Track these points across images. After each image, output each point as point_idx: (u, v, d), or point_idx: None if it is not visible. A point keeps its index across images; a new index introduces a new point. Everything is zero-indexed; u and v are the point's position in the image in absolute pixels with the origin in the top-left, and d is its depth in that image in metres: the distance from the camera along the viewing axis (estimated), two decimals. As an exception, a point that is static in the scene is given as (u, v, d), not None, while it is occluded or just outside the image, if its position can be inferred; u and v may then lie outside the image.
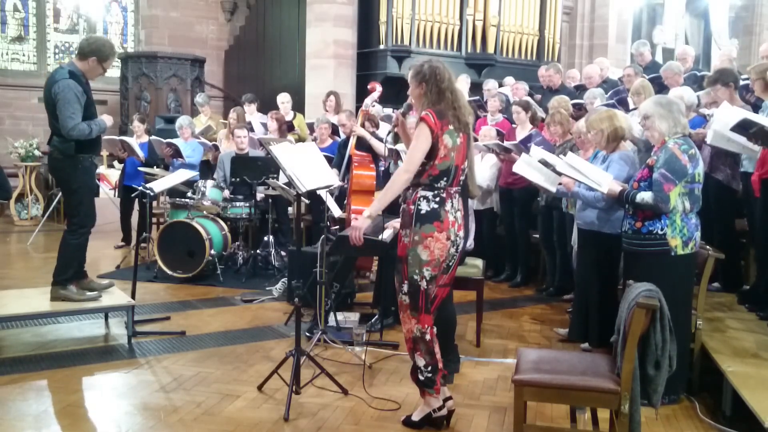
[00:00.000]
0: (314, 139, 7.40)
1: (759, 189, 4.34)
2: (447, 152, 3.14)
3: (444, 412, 3.31)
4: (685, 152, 3.48)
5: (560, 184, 4.31)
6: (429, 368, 3.23)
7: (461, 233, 3.26)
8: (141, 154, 7.27)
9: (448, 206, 3.19)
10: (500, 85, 8.72)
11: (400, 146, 5.62)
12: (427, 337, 3.21)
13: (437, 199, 3.17)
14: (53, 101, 4.31)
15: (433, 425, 3.30)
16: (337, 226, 5.82)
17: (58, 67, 4.49)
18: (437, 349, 3.25)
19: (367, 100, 5.98)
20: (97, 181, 10.21)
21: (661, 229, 3.52)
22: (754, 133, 4.03)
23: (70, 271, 4.50)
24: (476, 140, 6.15)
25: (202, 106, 8.85)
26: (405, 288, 3.19)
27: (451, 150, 3.16)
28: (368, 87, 6.23)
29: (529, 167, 4.46)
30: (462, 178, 3.26)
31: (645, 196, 3.51)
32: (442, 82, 3.20)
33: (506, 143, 6.04)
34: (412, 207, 3.17)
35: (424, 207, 3.15)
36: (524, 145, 5.69)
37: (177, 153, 7.18)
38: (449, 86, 3.22)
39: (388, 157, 6.35)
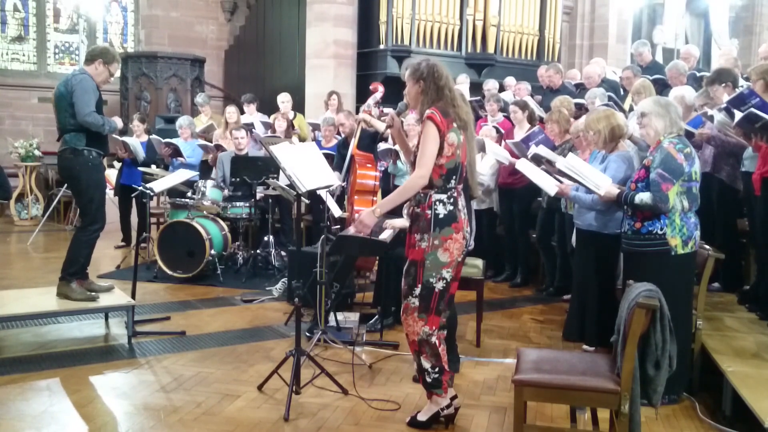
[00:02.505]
0: (317, 140, 7.42)
1: (759, 187, 4.34)
2: (453, 150, 3.14)
3: (452, 410, 3.32)
4: (680, 151, 3.49)
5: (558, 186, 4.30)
6: (436, 369, 3.23)
7: (468, 228, 3.30)
8: (142, 156, 7.29)
9: (459, 205, 3.21)
10: (501, 87, 8.72)
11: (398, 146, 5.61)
12: (433, 339, 3.20)
13: (451, 200, 3.18)
14: (68, 96, 4.42)
15: (440, 423, 3.31)
16: (338, 226, 5.81)
17: (73, 71, 4.64)
18: (443, 351, 3.26)
19: (370, 101, 5.97)
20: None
21: (661, 229, 3.52)
22: (759, 127, 4.02)
23: (76, 266, 4.58)
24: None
25: (202, 106, 8.86)
26: (417, 291, 3.17)
27: (457, 147, 3.16)
28: (370, 88, 6.22)
29: (530, 167, 4.47)
30: (464, 175, 3.27)
31: (644, 197, 3.51)
32: (440, 80, 3.19)
33: (507, 141, 6.04)
34: (429, 212, 3.15)
35: (442, 211, 3.15)
36: (525, 144, 5.69)
37: (176, 152, 7.19)
38: (447, 84, 3.22)
39: (387, 157, 6.35)
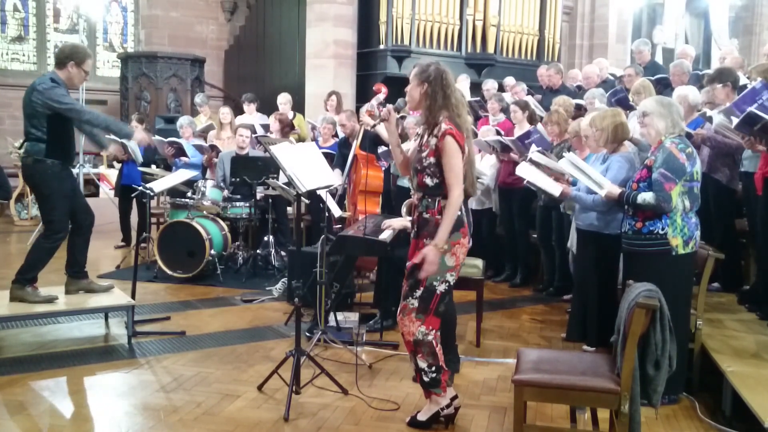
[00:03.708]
0: (315, 139, 7.41)
1: (761, 187, 4.33)
2: (464, 161, 3.17)
3: (452, 410, 3.32)
4: (682, 150, 3.49)
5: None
6: (433, 368, 3.23)
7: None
8: (140, 158, 7.29)
9: (463, 209, 3.22)
10: (501, 87, 8.73)
11: (404, 145, 5.60)
12: (429, 338, 3.20)
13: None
14: (32, 106, 4.31)
15: (440, 423, 3.31)
16: (338, 226, 5.81)
17: (40, 76, 4.45)
18: (440, 351, 3.26)
19: (373, 101, 5.95)
20: (97, 181, 10.27)
21: (662, 229, 3.51)
22: (759, 129, 4.00)
23: (34, 272, 4.47)
24: (476, 136, 6.15)
25: (201, 106, 8.84)
26: (419, 293, 3.18)
27: (464, 157, 3.18)
28: (374, 89, 6.21)
29: (531, 170, 4.46)
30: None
31: (646, 197, 3.51)
32: (448, 87, 3.19)
33: (505, 138, 6.03)
34: (439, 217, 3.14)
35: None
36: (522, 142, 5.68)
37: (180, 152, 7.18)
38: (454, 92, 3.22)
39: (389, 158, 6.34)
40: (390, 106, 3.39)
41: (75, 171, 8.25)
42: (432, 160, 3.16)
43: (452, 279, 3.21)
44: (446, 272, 3.17)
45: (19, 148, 4.50)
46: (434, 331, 3.21)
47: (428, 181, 3.18)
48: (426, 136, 3.23)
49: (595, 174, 3.89)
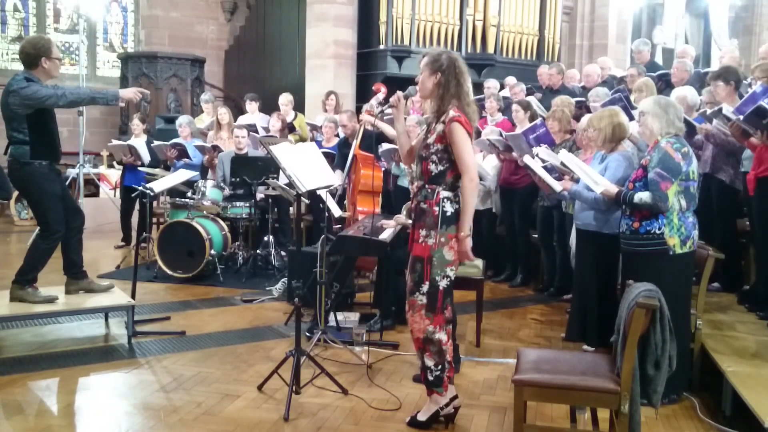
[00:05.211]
0: (315, 139, 7.41)
1: (754, 188, 4.33)
2: None
3: (451, 409, 3.32)
4: (677, 150, 3.49)
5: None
6: (439, 367, 3.24)
7: None
8: (147, 158, 7.29)
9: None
10: (502, 87, 8.72)
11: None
12: (437, 336, 3.20)
13: (457, 198, 3.19)
14: (9, 108, 4.25)
15: (440, 423, 3.31)
16: (338, 226, 5.81)
17: (13, 76, 4.37)
18: (451, 346, 3.27)
19: (373, 101, 5.96)
20: (97, 181, 10.26)
21: (659, 229, 3.52)
22: (767, 123, 3.98)
23: (33, 273, 4.46)
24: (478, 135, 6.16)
25: (206, 103, 8.78)
26: (425, 288, 3.17)
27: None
28: (373, 88, 6.22)
29: (536, 163, 4.47)
30: None
31: (643, 197, 3.51)
32: (461, 76, 3.18)
33: (509, 134, 6.02)
34: (437, 208, 3.15)
35: (449, 208, 3.16)
36: (526, 136, 5.67)
37: (183, 154, 7.17)
38: (466, 81, 3.21)
39: (389, 158, 6.35)
40: (400, 93, 3.36)
41: (75, 171, 8.24)
42: (439, 146, 3.16)
43: (452, 273, 3.21)
44: (446, 266, 3.17)
45: (4, 153, 4.42)
46: (440, 328, 3.21)
47: (432, 167, 3.18)
48: (434, 124, 3.24)
49: (593, 173, 3.89)
